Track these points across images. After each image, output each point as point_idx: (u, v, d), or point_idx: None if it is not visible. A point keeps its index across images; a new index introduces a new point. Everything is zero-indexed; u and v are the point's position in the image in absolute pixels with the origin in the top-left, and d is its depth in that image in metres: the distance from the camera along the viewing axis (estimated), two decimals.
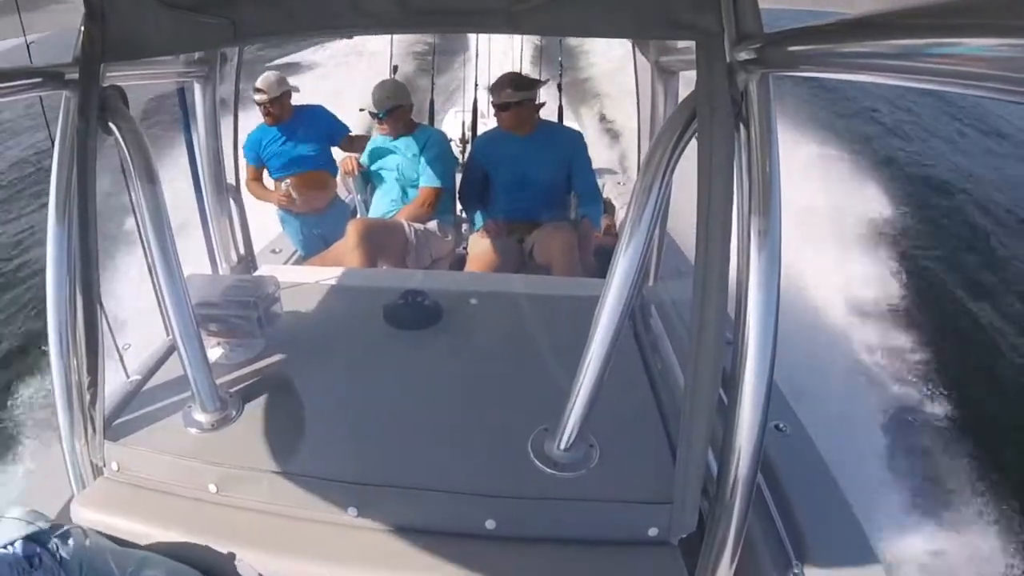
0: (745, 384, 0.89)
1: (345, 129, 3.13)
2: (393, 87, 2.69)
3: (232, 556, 1.04)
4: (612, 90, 7.84)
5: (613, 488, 1.10)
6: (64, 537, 0.88)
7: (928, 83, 0.53)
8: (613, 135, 6.86)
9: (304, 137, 2.98)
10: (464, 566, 1.03)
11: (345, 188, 3.13)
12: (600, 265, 2.66)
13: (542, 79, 2.85)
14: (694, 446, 0.96)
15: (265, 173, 3.07)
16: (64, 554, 0.86)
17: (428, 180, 2.65)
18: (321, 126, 3.05)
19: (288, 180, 2.90)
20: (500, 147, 2.65)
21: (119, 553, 0.96)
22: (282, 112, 2.93)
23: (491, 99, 2.63)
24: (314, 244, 3.04)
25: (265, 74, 2.88)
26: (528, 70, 4.83)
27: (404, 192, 2.73)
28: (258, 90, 2.84)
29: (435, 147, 2.67)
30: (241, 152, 2.32)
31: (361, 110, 2.72)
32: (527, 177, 2.60)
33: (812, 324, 3.66)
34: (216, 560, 1.04)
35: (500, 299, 1.85)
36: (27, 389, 3.74)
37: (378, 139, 2.77)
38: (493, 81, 2.69)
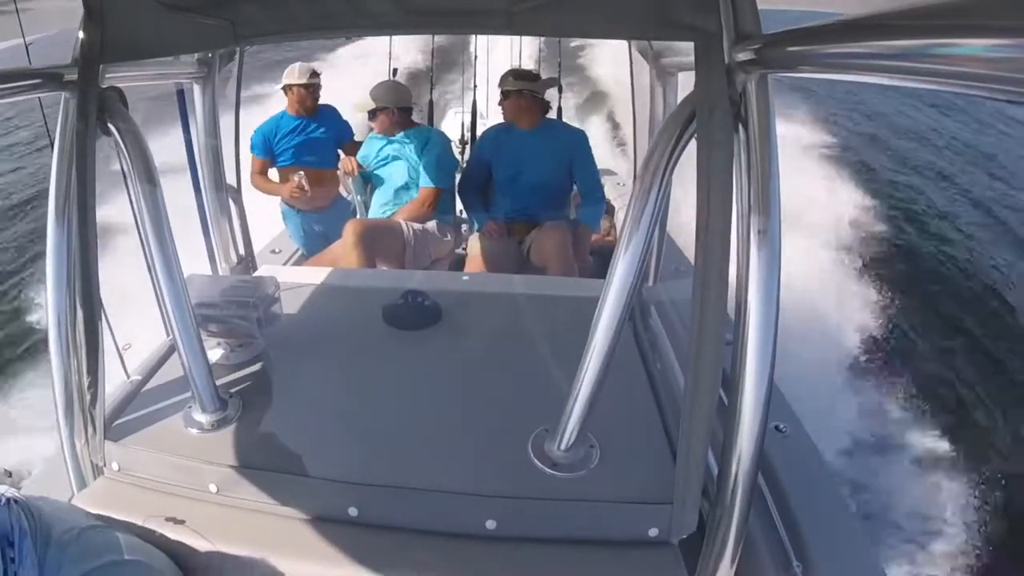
0: (745, 385, 0.89)
1: (351, 133, 3.19)
2: (386, 88, 2.73)
3: (232, 556, 1.04)
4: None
5: (613, 488, 1.10)
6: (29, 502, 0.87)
7: (927, 84, 0.53)
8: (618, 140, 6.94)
9: (321, 133, 3.06)
10: (464, 566, 1.03)
11: (345, 189, 3.14)
12: (599, 266, 2.66)
13: (546, 78, 2.88)
14: (694, 446, 0.96)
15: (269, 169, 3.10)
16: (28, 514, 0.85)
17: (428, 180, 2.66)
18: (334, 126, 3.12)
19: (301, 172, 2.91)
20: (502, 140, 2.68)
21: (88, 522, 0.95)
22: (312, 103, 3.00)
23: (500, 87, 2.67)
24: (315, 241, 3.06)
25: (300, 63, 2.97)
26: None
27: (404, 192, 2.73)
28: (299, 73, 2.93)
29: (436, 147, 2.68)
30: (245, 150, 2.32)
31: (370, 112, 2.74)
32: (527, 172, 2.62)
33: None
34: (216, 560, 1.04)
35: (500, 300, 1.85)
36: None
37: (379, 138, 2.78)
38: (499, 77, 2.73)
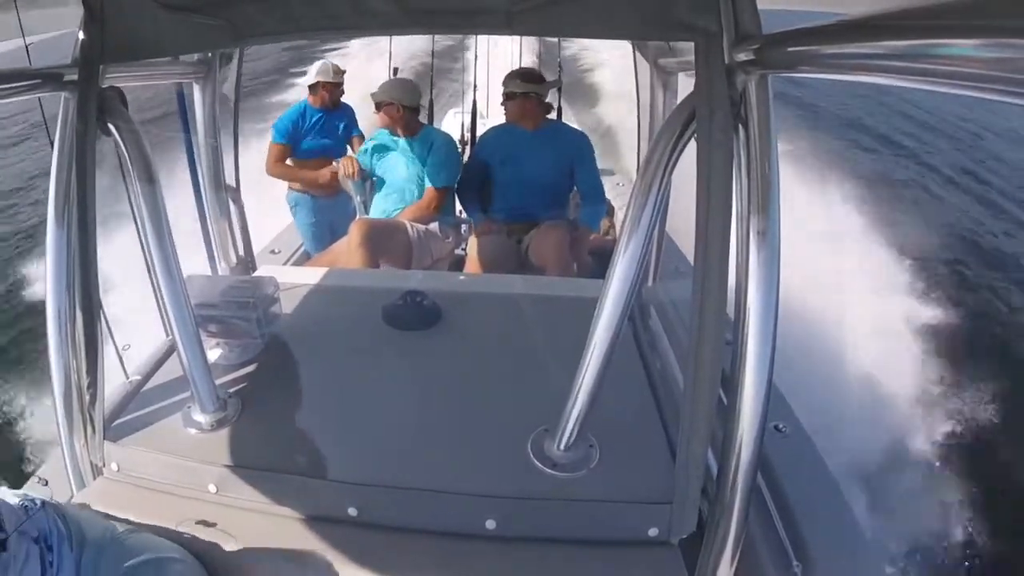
0: (745, 384, 0.89)
1: (359, 132, 3.36)
2: (397, 84, 2.74)
3: (232, 556, 1.04)
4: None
5: (613, 488, 1.10)
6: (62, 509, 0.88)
7: (926, 84, 0.53)
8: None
9: (341, 127, 3.26)
10: (464, 566, 1.03)
11: (345, 189, 3.15)
12: (599, 266, 2.66)
13: (550, 79, 2.88)
14: (694, 446, 0.96)
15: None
16: (63, 518, 0.85)
17: (435, 181, 2.65)
18: (349, 121, 3.32)
19: (348, 157, 3.02)
20: (504, 140, 2.67)
21: (113, 528, 0.96)
22: (338, 98, 3.24)
23: (503, 90, 2.68)
24: (324, 234, 3.14)
25: (328, 62, 3.21)
26: None
27: (408, 193, 2.73)
28: (338, 72, 3.20)
29: (442, 148, 2.68)
30: (245, 150, 2.32)
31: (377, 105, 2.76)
32: (527, 172, 2.62)
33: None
34: (216, 560, 1.04)
35: (499, 300, 1.85)
36: None
37: (382, 137, 2.77)
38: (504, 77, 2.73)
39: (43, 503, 0.83)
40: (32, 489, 0.89)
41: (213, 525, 1.08)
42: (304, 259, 3.01)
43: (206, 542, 1.05)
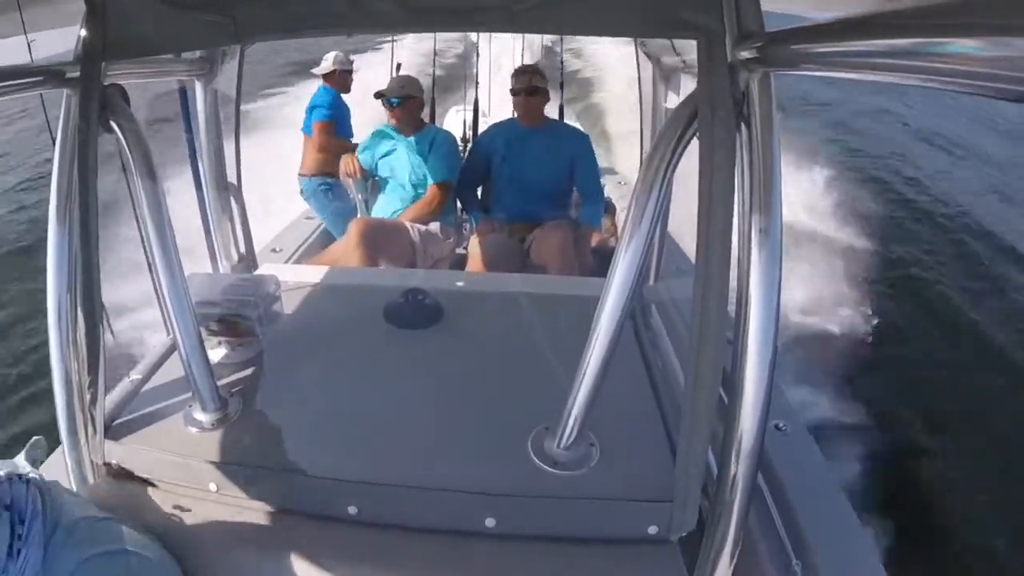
0: (745, 383, 0.88)
1: None
2: (409, 79, 2.73)
3: (232, 554, 1.04)
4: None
5: (613, 486, 1.10)
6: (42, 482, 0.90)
7: (930, 82, 0.52)
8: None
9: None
10: (464, 564, 1.03)
11: (346, 188, 3.15)
12: (600, 265, 2.66)
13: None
14: (694, 445, 0.96)
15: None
16: (43, 497, 0.87)
17: (437, 177, 2.65)
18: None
19: (342, 159, 3.13)
20: (505, 137, 2.67)
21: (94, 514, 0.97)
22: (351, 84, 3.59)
23: (512, 85, 2.64)
24: (342, 208, 3.29)
25: (341, 53, 3.56)
26: None
27: (411, 191, 2.72)
28: (350, 61, 3.58)
29: (444, 145, 2.68)
30: (246, 148, 2.31)
31: (377, 95, 2.74)
32: (529, 171, 2.62)
33: None
34: (216, 558, 1.04)
35: (501, 299, 1.85)
36: None
37: (384, 134, 2.76)
38: (515, 68, 2.73)
39: (29, 480, 0.85)
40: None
41: (212, 524, 1.08)
42: (306, 258, 3.01)
43: (205, 540, 1.05)
